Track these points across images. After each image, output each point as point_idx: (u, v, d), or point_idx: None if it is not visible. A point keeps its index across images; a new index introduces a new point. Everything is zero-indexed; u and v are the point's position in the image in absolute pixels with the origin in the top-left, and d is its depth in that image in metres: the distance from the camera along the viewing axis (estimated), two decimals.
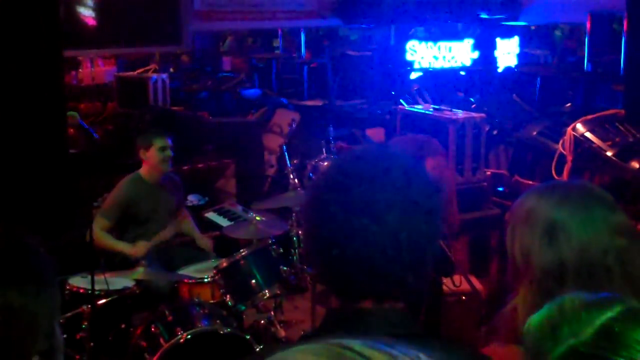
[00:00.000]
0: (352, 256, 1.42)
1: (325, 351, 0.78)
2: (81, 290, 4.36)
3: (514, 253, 1.71)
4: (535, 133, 7.07)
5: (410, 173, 1.47)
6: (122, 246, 5.10)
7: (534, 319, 1.25)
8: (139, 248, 5.06)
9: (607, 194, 1.74)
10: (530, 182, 6.00)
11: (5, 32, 2.32)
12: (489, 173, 6.63)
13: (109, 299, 4.32)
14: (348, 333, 1.42)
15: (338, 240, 1.43)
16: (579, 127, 6.05)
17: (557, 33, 14.61)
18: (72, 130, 7.38)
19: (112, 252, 5.06)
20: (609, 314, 1.06)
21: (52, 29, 2.47)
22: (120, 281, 4.52)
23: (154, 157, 5.18)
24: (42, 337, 1.24)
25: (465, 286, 4.01)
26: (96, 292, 4.22)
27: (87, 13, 7.86)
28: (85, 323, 4.08)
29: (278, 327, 4.61)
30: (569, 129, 6.07)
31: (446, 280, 4.06)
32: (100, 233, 5.01)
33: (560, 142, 6.12)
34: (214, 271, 4.56)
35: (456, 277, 4.00)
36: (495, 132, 7.59)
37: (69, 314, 4.13)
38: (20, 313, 1.20)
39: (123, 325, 4.39)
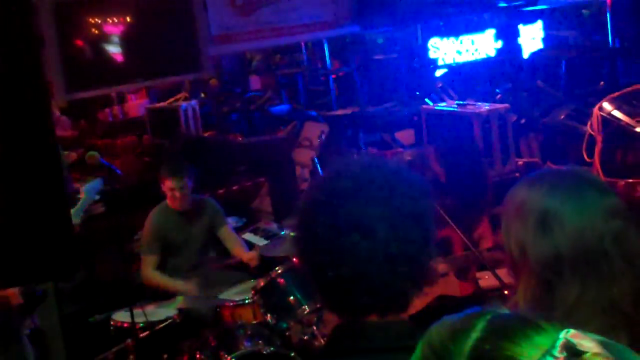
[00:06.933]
0: (348, 275, 1.40)
1: None
2: (125, 325, 4.44)
3: (510, 248, 1.69)
4: (562, 117, 6.98)
5: (393, 180, 1.45)
6: (177, 284, 5.04)
7: None
8: (193, 287, 4.97)
9: (598, 177, 1.72)
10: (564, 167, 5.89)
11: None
12: (521, 163, 6.56)
13: (152, 330, 4.38)
14: (354, 348, 1.44)
15: (331, 262, 1.41)
16: (605, 105, 5.94)
17: (585, 12, 14.34)
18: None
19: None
20: (474, 334, 0.88)
21: (37, 78, 2.55)
22: (163, 311, 4.58)
23: (166, 193, 5.20)
24: None
25: (493, 282, 3.95)
26: (140, 325, 4.29)
27: (114, 50, 7.99)
28: (131, 357, 4.14)
29: (322, 340, 4.61)
30: (596, 109, 5.97)
31: (480, 275, 4.02)
32: (152, 273, 5.08)
33: (589, 123, 6.02)
34: (252, 292, 4.60)
35: (485, 273, 3.95)
36: (523, 121, 7.51)
37: (115, 349, 4.21)
38: None
39: (166, 356, 4.43)
